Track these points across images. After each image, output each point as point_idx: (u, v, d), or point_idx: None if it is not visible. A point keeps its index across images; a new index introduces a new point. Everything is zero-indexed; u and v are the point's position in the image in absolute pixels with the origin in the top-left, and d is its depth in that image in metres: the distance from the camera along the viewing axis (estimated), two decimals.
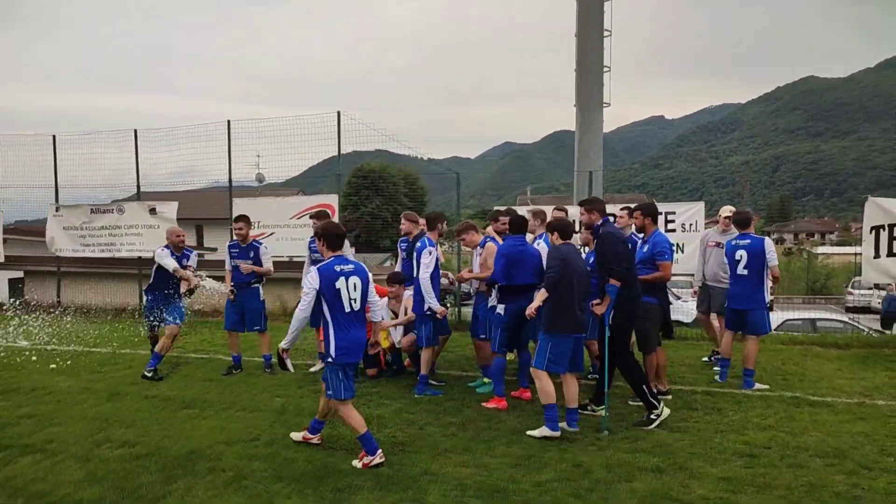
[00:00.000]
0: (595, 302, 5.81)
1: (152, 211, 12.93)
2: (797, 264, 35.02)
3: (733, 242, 7.20)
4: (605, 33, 13.65)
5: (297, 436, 5.30)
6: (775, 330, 11.10)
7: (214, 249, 25.37)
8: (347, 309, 4.82)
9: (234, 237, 7.99)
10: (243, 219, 7.95)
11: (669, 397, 6.54)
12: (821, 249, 45.53)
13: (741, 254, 7.05)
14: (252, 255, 7.77)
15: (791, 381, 7.36)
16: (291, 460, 4.88)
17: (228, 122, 12.76)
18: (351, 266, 4.90)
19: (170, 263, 7.33)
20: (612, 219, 6.10)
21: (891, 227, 9.27)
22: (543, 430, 5.40)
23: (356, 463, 4.77)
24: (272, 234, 12.25)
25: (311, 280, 4.80)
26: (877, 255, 9.42)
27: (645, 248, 6.51)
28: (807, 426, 5.66)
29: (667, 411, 5.72)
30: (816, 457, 4.92)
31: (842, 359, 8.61)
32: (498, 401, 6.29)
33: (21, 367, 8.06)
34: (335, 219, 12.27)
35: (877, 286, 21.83)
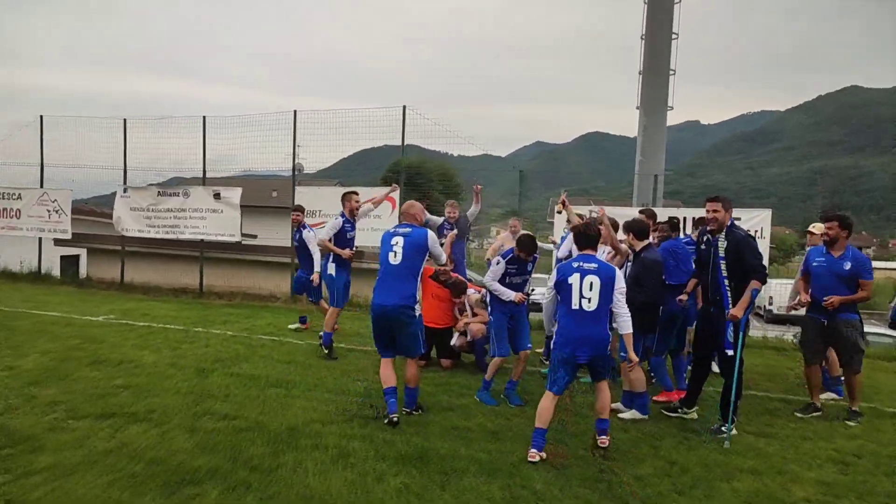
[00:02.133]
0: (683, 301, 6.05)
1: (216, 196, 13.25)
2: None
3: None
4: (673, 36, 13.58)
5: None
6: None
7: (254, 237, 25.83)
8: (575, 306, 4.87)
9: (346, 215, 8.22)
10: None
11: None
12: None
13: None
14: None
15: (867, 393, 7.30)
16: (390, 442, 5.00)
17: (295, 112, 13.02)
18: (594, 264, 4.91)
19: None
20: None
21: None
22: (634, 413, 5.78)
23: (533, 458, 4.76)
24: None
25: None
26: None
27: (847, 266, 6.00)
28: (894, 437, 5.65)
29: (734, 432, 5.50)
30: None
31: None
32: (668, 394, 6.47)
33: (102, 339, 8.35)
34: (396, 210, 12.46)
35: None
